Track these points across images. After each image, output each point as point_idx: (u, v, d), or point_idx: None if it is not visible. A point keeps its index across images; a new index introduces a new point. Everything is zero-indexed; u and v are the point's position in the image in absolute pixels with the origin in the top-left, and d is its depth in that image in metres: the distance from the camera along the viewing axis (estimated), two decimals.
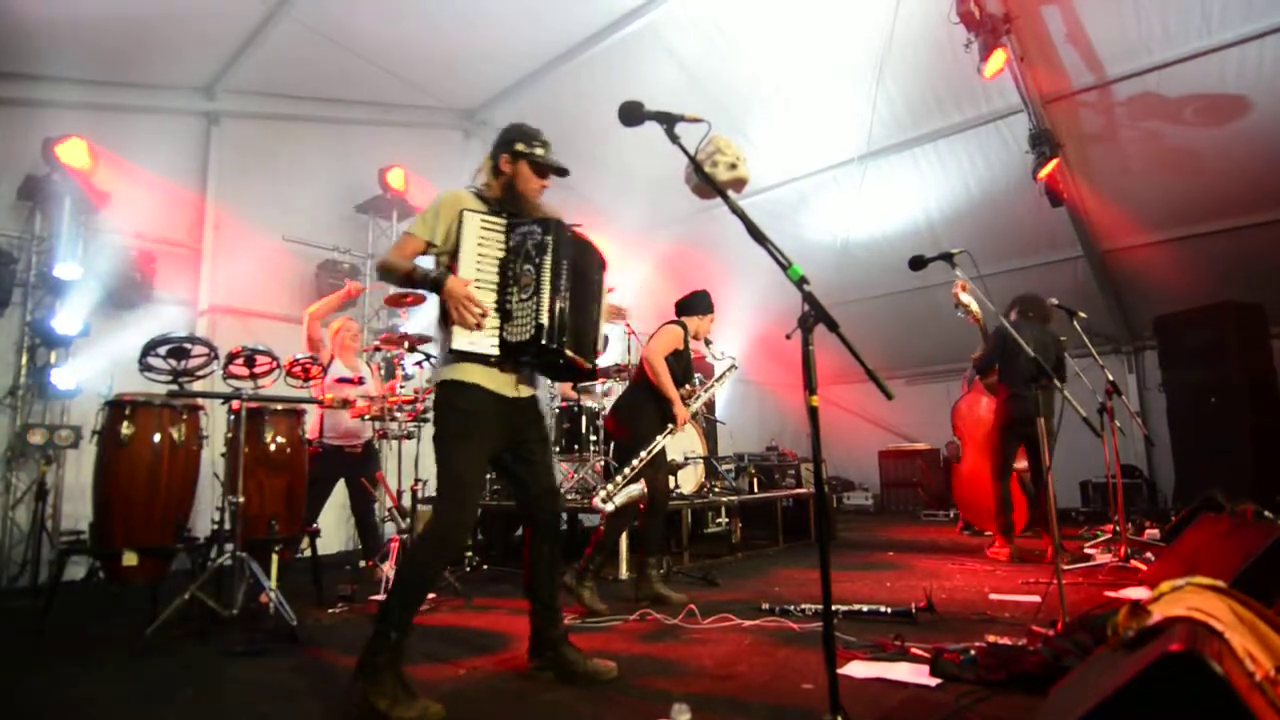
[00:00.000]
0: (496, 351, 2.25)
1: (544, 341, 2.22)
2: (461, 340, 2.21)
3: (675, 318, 4.01)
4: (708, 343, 4.11)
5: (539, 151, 2.47)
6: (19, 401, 4.75)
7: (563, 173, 2.52)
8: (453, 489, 2.23)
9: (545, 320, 2.23)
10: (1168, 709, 1.24)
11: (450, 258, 2.31)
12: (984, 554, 4.95)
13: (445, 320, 2.30)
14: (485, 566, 4.94)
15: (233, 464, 3.34)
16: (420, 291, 2.28)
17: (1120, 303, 7.75)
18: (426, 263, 2.35)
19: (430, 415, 4.68)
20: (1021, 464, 5.22)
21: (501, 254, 2.31)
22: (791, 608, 3.25)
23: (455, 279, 2.23)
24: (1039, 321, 5.03)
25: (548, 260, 2.27)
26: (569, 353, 2.30)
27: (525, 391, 2.42)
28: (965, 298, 4.98)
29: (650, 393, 3.75)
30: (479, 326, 2.23)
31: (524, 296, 2.25)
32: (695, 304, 4.03)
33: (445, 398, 2.29)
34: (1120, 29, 5.20)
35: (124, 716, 2.23)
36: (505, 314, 2.27)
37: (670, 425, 3.66)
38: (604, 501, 3.34)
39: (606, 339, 2.67)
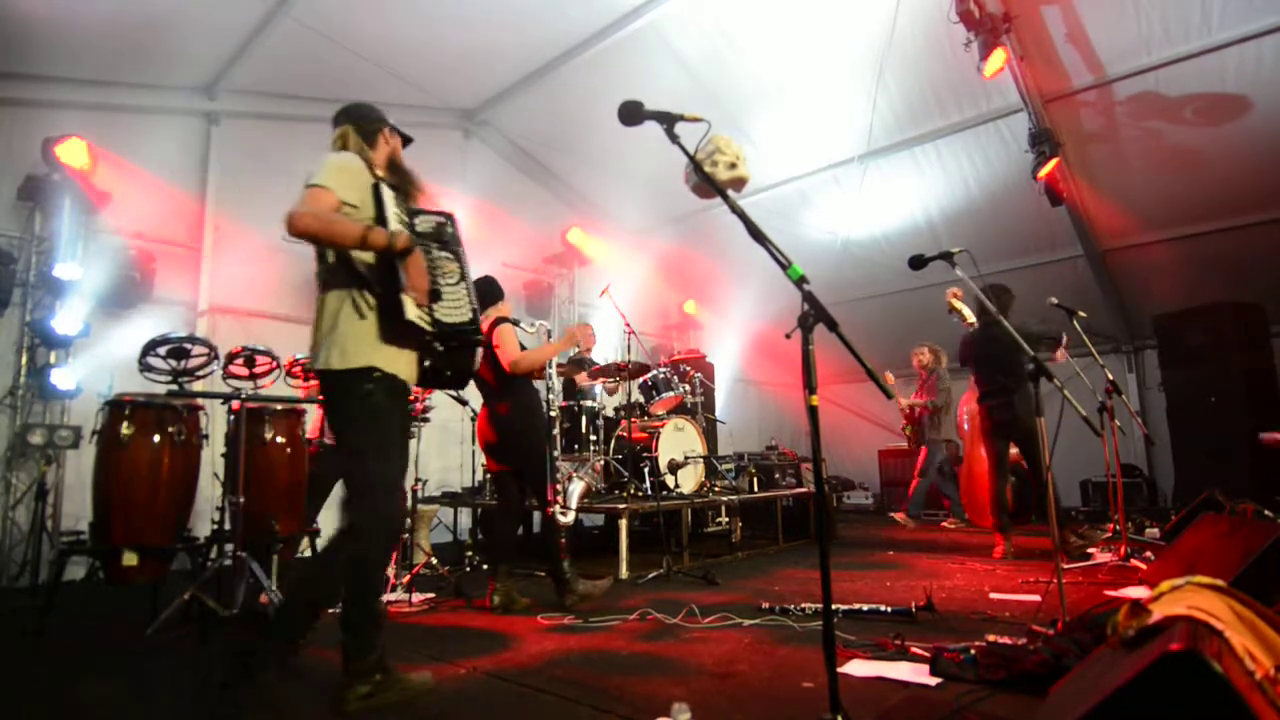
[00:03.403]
0: (432, 329, 2.15)
1: (472, 327, 2.23)
2: (412, 312, 2.06)
3: (496, 316, 3.74)
4: (514, 322, 3.97)
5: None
6: (19, 401, 4.75)
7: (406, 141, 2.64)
8: (391, 488, 2.15)
9: (477, 305, 2.27)
10: (1168, 708, 1.24)
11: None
12: (984, 553, 4.95)
13: (369, 288, 2.12)
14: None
15: (232, 464, 3.34)
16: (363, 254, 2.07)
17: (1120, 302, 7.74)
18: None
19: (429, 414, 4.74)
20: (1013, 450, 5.23)
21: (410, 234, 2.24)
22: (791, 607, 3.25)
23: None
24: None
25: (463, 251, 2.35)
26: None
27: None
28: (958, 304, 5.03)
29: (532, 393, 3.68)
30: (429, 299, 2.13)
31: (451, 281, 2.25)
32: (496, 291, 3.83)
33: (383, 391, 2.10)
34: (1120, 28, 5.19)
35: (124, 717, 2.23)
36: (433, 294, 2.17)
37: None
38: (562, 514, 3.49)
39: None
